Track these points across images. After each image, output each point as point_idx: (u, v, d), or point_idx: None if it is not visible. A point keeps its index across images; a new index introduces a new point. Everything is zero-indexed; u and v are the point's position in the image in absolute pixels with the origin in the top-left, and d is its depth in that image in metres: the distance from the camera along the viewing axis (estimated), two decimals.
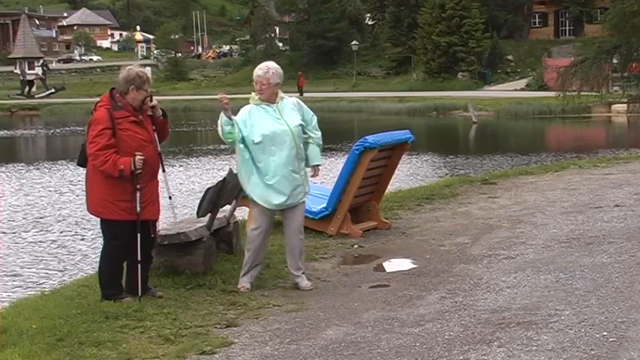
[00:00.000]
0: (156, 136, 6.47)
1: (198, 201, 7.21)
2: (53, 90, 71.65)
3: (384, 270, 7.65)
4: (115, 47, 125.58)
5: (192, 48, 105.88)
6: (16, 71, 76.52)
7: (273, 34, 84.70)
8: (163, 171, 6.64)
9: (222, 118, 6.71)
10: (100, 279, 6.52)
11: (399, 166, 9.94)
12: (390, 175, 9.67)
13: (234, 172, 7.24)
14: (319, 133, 7.06)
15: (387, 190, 10.17)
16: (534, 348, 5.16)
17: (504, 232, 8.90)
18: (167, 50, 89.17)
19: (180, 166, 23.49)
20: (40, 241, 12.92)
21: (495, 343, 5.29)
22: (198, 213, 7.12)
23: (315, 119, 7.05)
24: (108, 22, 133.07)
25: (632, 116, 36.59)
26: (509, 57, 65.70)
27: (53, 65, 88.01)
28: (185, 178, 20.20)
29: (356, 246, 8.52)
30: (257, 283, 6.93)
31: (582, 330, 5.47)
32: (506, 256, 7.77)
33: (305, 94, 51.28)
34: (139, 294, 6.37)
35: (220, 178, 7.38)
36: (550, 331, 5.49)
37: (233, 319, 6.02)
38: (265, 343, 5.52)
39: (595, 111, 41.31)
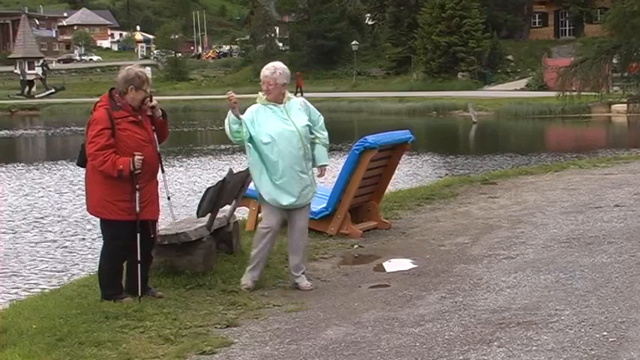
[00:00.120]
0: (155, 136, 6.47)
1: (198, 201, 7.21)
2: (53, 90, 71.69)
3: (384, 270, 7.65)
4: (115, 47, 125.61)
5: (192, 48, 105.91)
6: (16, 71, 76.57)
7: (273, 34, 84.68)
8: (162, 171, 6.64)
9: (230, 116, 6.71)
10: (100, 279, 6.52)
11: (399, 166, 9.94)
12: (390, 175, 9.67)
13: (234, 172, 7.24)
14: (326, 134, 7.05)
15: (387, 190, 10.17)
16: (534, 348, 5.16)
17: (504, 232, 8.90)
18: (167, 50, 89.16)
19: (180, 166, 23.49)
20: (40, 242, 12.93)
21: (495, 343, 5.29)
22: (198, 213, 7.12)
23: (322, 119, 7.05)
24: (108, 22, 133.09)
25: (632, 116, 36.59)
26: (509, 57, 65.70)
27: (53, 65, 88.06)
28: (185, 178, 20.20)
29: (356, 246, 8.52)
30: (257, 283, 6.93)
31: (582, 330, 5.47)
32: (506, 256, 7.77)
33: (305, 95, 51.21)
34: (139, 294, 6.37)
35: (220, 178, 7.38)
36: (550, 331, 5.49)
37: (233, 319, 6.02)
38: (265, 343, 5.52)
39: (595, 111, 41.33)
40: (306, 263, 7.12)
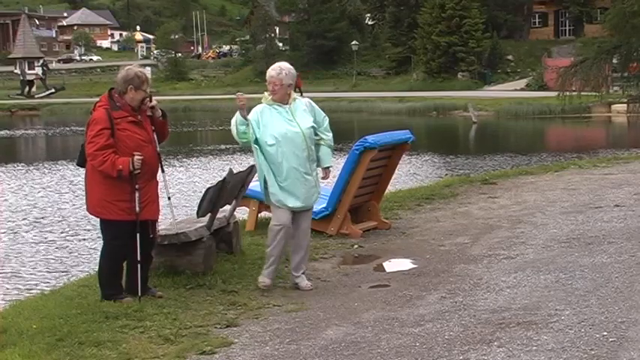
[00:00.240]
0: (155, 136, 6.47)
1: (198, 201, 7.21)
2: (53, 90, 71.65)
3: (384, 270, 7.65)
4: (115, 47, 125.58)
5: (192, 48, 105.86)
6: (16, 71, 76.51)
7: (273, 34, 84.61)
8: (162, 171, 6.64)
9: (238, 117, 6.70)
10: (99, 279, 6.52)
11: (399, 166, 9.94)
12: (390, 175, 9.67)
13: (234, 172, 7.23)
14: (330, 135, 7.04)
15: (387, 190, 10.17)
16: (534, 348, 5.16)
17: (504, 232, 8.90)
18: (167, 50, 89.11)
19: (181, 166, 23.49)
20: (40, 242, 12.93)
21: (495, 343, 5.29)
22: (198, 213, 7.12)
23: (326, 121, 7.03)
24: (108, 22, 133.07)
25: (632, 116, 36.57)
26: (509, 57, 65.69)
27: (53, 65, 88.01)
28: (185, 178, 20.20)
29: (356, 246, 8.52)
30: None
31: (582, 330, 5.47)
32: (506, 256, 7.77)
33: (304, 95, 51.21)
34: (139, 294, 6.37)
35: (220, 178, 7.38)
36: (550, 331, 5.49)
37: (233, 319, 6.02)
38: (265, 343, 5.52)
39: (595, 111, 41.33)
40: (307, 263, 7.11)
